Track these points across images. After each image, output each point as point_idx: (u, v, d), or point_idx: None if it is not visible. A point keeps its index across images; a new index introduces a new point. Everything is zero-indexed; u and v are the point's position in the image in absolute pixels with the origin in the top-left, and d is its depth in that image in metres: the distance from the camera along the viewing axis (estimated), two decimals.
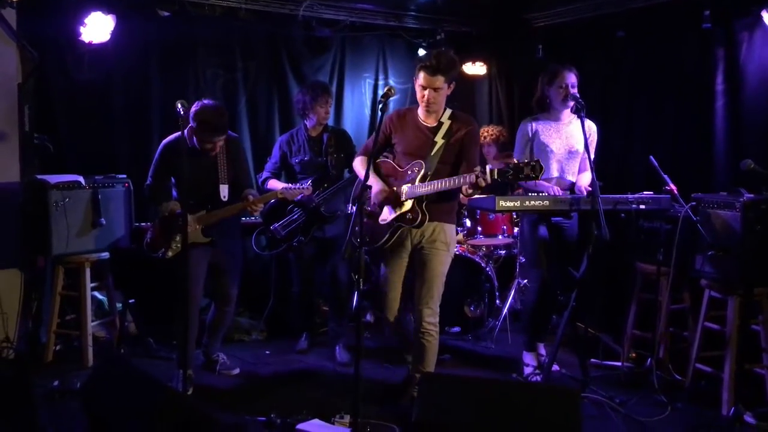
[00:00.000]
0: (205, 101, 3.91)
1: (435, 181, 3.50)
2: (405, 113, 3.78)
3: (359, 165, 3.86)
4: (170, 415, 2.75)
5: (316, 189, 4.53)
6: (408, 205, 3.59)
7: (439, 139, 3.61)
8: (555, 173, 4.23)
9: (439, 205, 3.61)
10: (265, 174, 4.75)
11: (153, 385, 2.97)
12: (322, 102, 4.57)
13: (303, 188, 4.22)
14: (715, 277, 3.83)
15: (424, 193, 3.53)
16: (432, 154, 3.59)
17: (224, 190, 4.01)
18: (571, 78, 4.08)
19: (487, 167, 3.30)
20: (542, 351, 4.48)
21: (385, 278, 3.82)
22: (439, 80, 3.51)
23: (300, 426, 3.41)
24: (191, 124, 3.84)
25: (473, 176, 3.27)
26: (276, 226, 4.62)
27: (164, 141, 4.09)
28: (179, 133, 3.74)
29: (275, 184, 4.56)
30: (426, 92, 3.55)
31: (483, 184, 3.26)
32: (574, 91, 4.06)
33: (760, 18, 4.20)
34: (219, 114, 3.87)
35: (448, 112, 3.70)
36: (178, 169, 3.85)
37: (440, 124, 3.65)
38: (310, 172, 4.62)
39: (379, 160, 3.84)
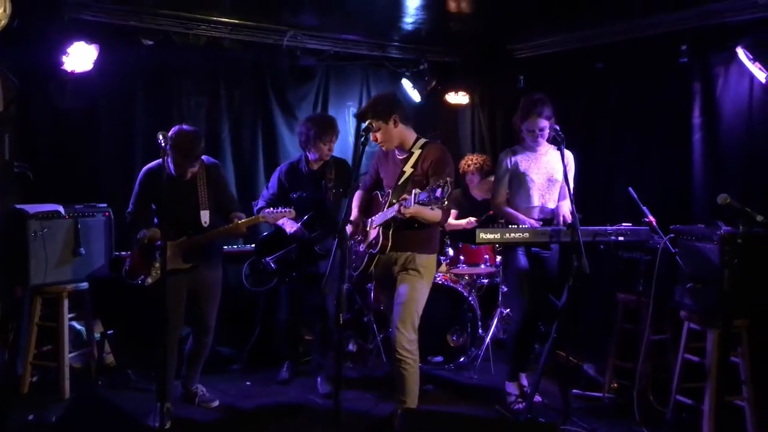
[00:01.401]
0: (184, 126, 3.92)
1: (381, 213, 3.68)
2: (389, 150, 3.91)
3: (353, 200, 4.01)
4: None
5: (313, 225, 4.51)
6: (375, 231, 3.73)
7: (408, 169, 3.75)
8: (536, 202, 4.27)
9: (409, 235, 3.68)
10: (260, 203, 4.70)
11: (129, 423, 2.94)
12: (326, 139, 4.45)
13: (285, 212, 4.14)
14: (694, 309, 3.86)
15: (378, 222, 3.70)
16: (399, 183, 3.74)
17: (205, 216, 3.99)
18: (541, 123, 4.13)
19: (413, 192, 3.36)
20: (524, 381, 4.46)
21: (383, 303, 4.06)
22: (374, 123, 3.66)
23: None
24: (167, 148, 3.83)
25: (397, 205, 3.43)
26: (268, 260, 4.59)
27: (145, 168, 4.09)
28: (160, 159, 3.74)
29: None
30: (373, 135, 3.70)
31: (406, 214, 3.40)
32: (544, 131, 4.13)
33: (736, 54, 4.29)
34: (192, 139, 3.86)
35: (421, 141, 3.82)
36: (158, 195, 3.84)
37: (411, 154, 3.79)
38: (308, 208, 4.56)
39: (375, 194, 4.02)
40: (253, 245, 4.86)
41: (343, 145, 6.10)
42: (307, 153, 4.57)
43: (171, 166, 3.90)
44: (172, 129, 3.87)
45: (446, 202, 3.24)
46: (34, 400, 4.21)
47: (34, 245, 4.19)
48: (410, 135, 3.81)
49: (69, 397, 4.30)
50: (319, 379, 4.61)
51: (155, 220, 4.07)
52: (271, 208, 4.31)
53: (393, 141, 3.76)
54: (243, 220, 4.04)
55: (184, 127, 3.93)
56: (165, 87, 5.26)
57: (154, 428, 3.72)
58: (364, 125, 3.55)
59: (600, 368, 4.71)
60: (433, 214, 3.58)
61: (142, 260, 4.00)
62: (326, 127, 4.45)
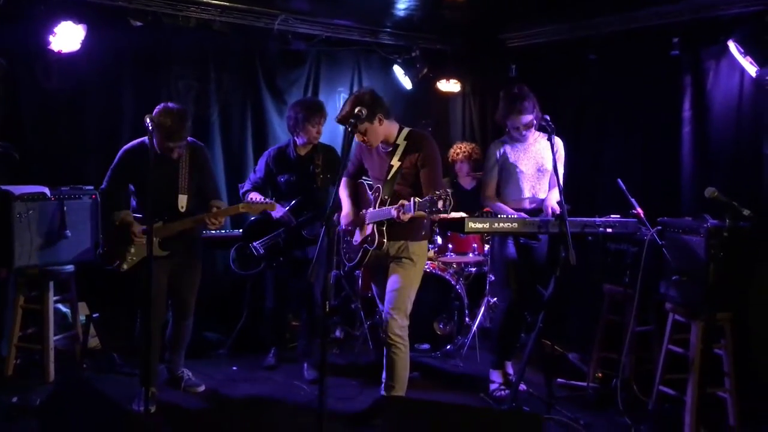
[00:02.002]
0: (169, 104, 3.80)
1: (379, 210, 3.65)
2: None
3: (339, 188, 3.93)
4: None
5: (301, 211, 4.49)
6: (369, 228, 3.71)
7: (395, 162, 3.72)
8: (527, 193, 4.27)
9: (402, 226, 3.65)
10: (246, 186, 4.68)
11: (113, 407, 2.92)
12: (314, 122, 4.45)
13: (267, 203, 4.11)
14: (679, 301, 3.89)
15: (372, 219, 3.68)
16: (389, 178, 3.71)
17: (183, 201, 3.92)
18: (524, 119, 4.12)
19: (412, 199, 3.35)
20: (510, 370, 4.49)
21: (376, 291, 4.09)
22: (358, 126, 3.57)
23: None
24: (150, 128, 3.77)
25: (395, 210, 3.42)
26: (256, 244, 4.57)
27: (126, 146, 3.99)
28: (143, 138, 3.74)
29: (255, 198, 4.51)
30: (359, 137, 3.69)
31: (404, 218, 3.39)
32: (529, 126, 4.13)
33: (727, 47, 4.29)
34: (178, 117, 3.73)
35: (405, 132, 3.79)
36: (137, 176, 3.76)
37: (396, 146, 3.75)
38: (296, 192, 4.56)
39: (360, 181, 3.99)
40: (241, 230, 4.84)
41: (333, 132, 6.05)
42: (296, 137, 4.55)
43: (156, 145, 3.81)
44: (157, 107, 3.77)
45: (449, 213, 3.23)
46: (18, 383, 4.19)
47: (19, 227, 4.14)
48: (394, 128, 3.77)
49: (53, 380, 4.28)
50: (305, 365, 4.62)
51: (132, 203, 4.01)
52: (253, 196, 4.33)
53: (379, 138, 3.72)
54: (221, 210, 3.97)
55: (170, 104, 3.80)
56: (153, 69, 5.19)
57: (138, 412, 3.72)
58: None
59: (585, 358, 4.75)
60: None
61: (115, 244, 3.91)
62: (314, 110, 4.46)
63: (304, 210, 4.51)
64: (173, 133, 3.74)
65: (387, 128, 3.73)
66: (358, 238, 3.83)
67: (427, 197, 3.25)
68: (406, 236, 3.73)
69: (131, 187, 4.00)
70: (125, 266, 3.89)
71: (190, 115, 3.88)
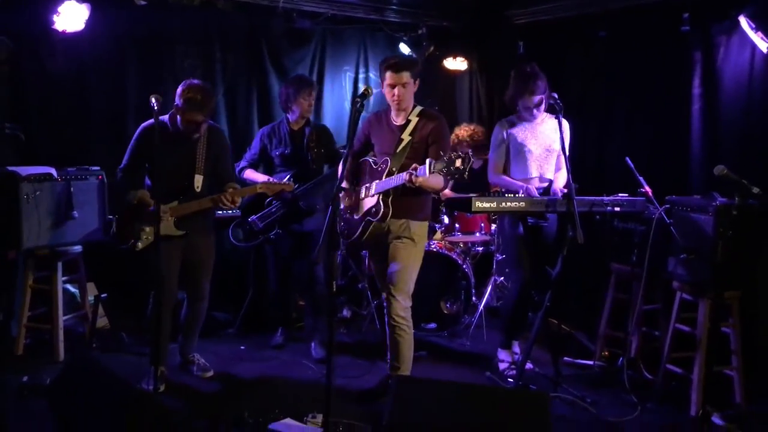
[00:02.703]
0: (194, 80, 3.86)
1: (387, 179, 3.65)
2: (381, 115, 3.95)
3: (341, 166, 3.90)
4: (139, 416, 2.73)
5: (296, 183, 4.51)
6: (374, 200, 3.72)
7: (406, 136, 3.74)
8: (534, 173, 4.25)
9: (406, 202, 3.69)
10: (243, 163, 4.72)
11: (122, 385, 2.95)
12: (305, 95, 4.55)
13: (284, 184, 4.16)
14: (687, 279, 3.88)
15: (379, 189, 3.68)
16: (398, 151, 3.73)
17: (198, 181, 3.93)
18: (536, 99, 4.10)
19: (427, 161, 3.35)
20: (516, 349, 4.51)
21: (375, 270, 4.11)
22: (405, 76, 3.69)
23: (272, 426, 3.40)
24: (177, 102, 3.78)
25: (407, 174, 3.43)
26: (254, 218, 4.60)
27: (144, 123, 3.99)
28: (162, 117, 3.78)
29: (252, 174, 4.56)
30: (395, 90, 3.71)
31: (415, 181, 3.40)
32: (540, 105, 4.10)
33: (738, 23, 4.22)
34: (206, 92, 3.80)
35: (417, 109, 3.82)
36: (153, 154, 3.76)
37: (408, 121, 3.78)
38: (290, 165, 4.60)
39: (362, 160, 3.98)
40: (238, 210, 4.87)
41: (339, 110, 6.05)
42: (288, 114, 4.64)
43: (178, 122, 3.83)
44: (182, 84, 3.82)
45: (466, 174, 3.22)
46: (28, 363, 4.23)
47: (26, 208, 4.15)
48: (412, 101, 3.83)
49: (63, 359, 4.32)
50: (313, 344, 4.64)
51: (147, 182, 4.02)
52: (248, 173, 4.51)
53: (410, 102, 3.78)
54: (238, 190, 4.00)
55: (195, 81, 3.85)
56: (158, 49, 5.16)
57: (147, 391, 3.75)
58: (360, 92, 3.50)
59: (591, 337, 4.76)
60: (438, 182, 3.58)
61: (130, 222, 3.91)
62: (304, 84, 4.59)
63: (298, 182, 4.52)
64: (203, 107, 3.77)
65: (412, 98, 3.79)
66: (360, 212, 3.82)
67: (444, 157, 3.25)
68: (409, 214, 3.72)
69: (147, 166, 4.00)
70: (140, 245, 3.88)
71: (213, 95, 3.92)
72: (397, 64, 3.70)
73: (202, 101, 3.77)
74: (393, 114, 3.84)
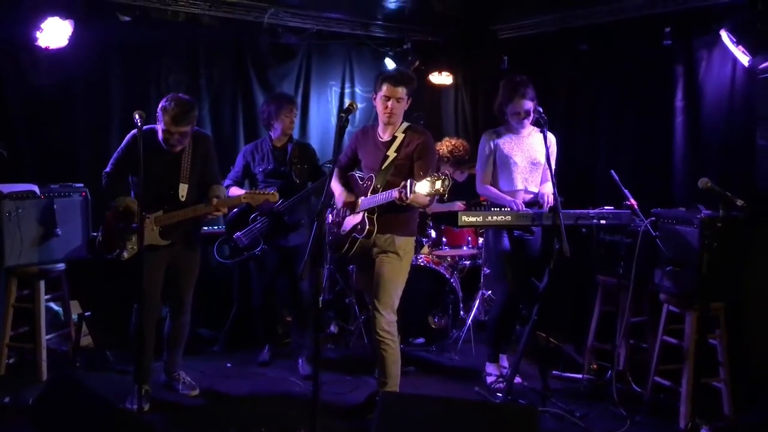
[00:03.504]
0: (179, 94, 3.85)
1: (374, 196, 3.66)
2: (368, 130, 3.95)
3: (332, 180, 3.90)
4: None
5: (280, 197, 4.49)
6: (359, 216, 3.71)
7: (391, 153, 3.74)
8: (519, 185, 4.26)
9: (391, 218, 3.69)
10: (227, 182, 4.68)
11: (106, 405, 2.90)
12: (287, 112, 4.54)
13: (268, 193, 4.14)
14: (674, 291, 3.89)
15: (367, 206, 3.68)
16: (383, 167, 3.74)
17: (183, 190, 3.89)
18: (526, 105, 4.12)
19: (408, 181, 3.38)
20: (504, 363, 4.49)
21: (362, 285, 4.12)
22: (401, 91, 3.70)
23: None
24: (158, 116, 3.77)
25: (396, 192, 3.44)
26: (239, 235, 4.57)
27: (133, 131, 3.92)
28: (151, 126, 3.78)
29: (236, 191, 4.52)
30: (389, 102, 3.71)
31: (405, 199, 3.40)
32: (529, 113, 4.11)
33: (719, 37, 4.26)
34: (185, 104, 3.76)
35: (404, 125, 3.82)
36: (139, 162, 3.73)
37: (394, 138, 3.78)
38: (273, 181, 4.57)
39: (349, 174, 3.99)
40: (223, 226, 4.86)
41: (325, 125, 6.05)
42: (270, 132, 4.63)
43: (159, 136, 3.81)
44: (164, 98, 3.81)
45: (446, 197, 3.25)
46: (11, 382, 4.16)
47: (8, 226, 4.10)
48: (402, 118, 3.83)
49: (46, 378, 4.25)
50: (300, 361, 4.60)
51: (132, 194, 3.98)
52: (234, 191, 4.44)
53: (400, 117, 3.78)
54: (222, 200, 3.96)
55: (180, 95, 3.85)
56: (142, 64, 5.14)
57: (132, 410, 3.70)
58: (345, 106, 3.50)
59: (579, 350, 4.76)
60: (423, 200, 3.57)
61: (116, 231, 3.86)
62: (284, 101, 4.58)
63: (282, 197, 4.49)
64: (177, 118, 3.73)
65: (402, 114, 3.80)
66: (347, 227, 3.81)
67: (425, 177, 3.29)
68: (394, 229, 3.72)
69: (130, 178, 3.97)
70: (126, 255, 3.83)
71: (194, 107, 3.87)
72: (396, 77, 3.71)
73: (182, 113, 3.73)
74: (380, 129, 3.84)
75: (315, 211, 3.84)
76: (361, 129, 4.04)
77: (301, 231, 4.62)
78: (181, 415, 3.85)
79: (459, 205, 5.25)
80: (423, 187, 3.30)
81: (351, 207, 3.84)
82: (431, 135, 3.84)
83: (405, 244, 3.76)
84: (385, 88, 3.70)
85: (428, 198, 3.53)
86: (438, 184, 3.23)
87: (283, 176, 4.57)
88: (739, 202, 3.37)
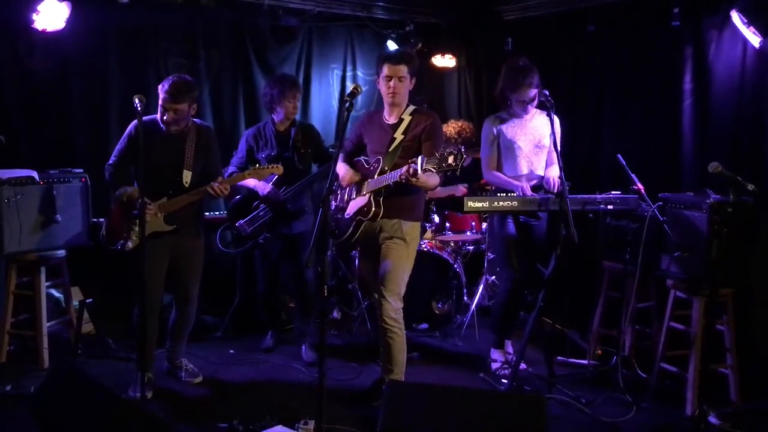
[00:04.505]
0: (183, 75, 3.84)
1: (382, 176, 3.61)
2: (374, 114, 3.91)
3: (337, 164, 3.85)
4: (124, 425, 2.66)
5: (283, 185, 4.43)
6: (365, 199, 3.66)
7: (399, 135, 3.69)
8: (524, 170, 4.21)
9: (397, 201, 3.64)
10: (231, 168, 4.60)
11: (108, 394, 2.87)
12: (290, 96, 4.43)
13: (273, 167, 4.06)
14: (681, 277, 3.85)
15: (374, 187, 3.63)
16: (390, 150, 3.69)
17: (187, 177, 3.85)
18: (532, 92, 4.06)
19: (419, 158, 3.32)
20: (509, 349, 4.47)
21: (365, 270, 4.10)
22: (403, 69, 3.65)
23: None
24: (159, 96, 3.75)
25: (405, 169, 3.37)
26: (241, 223, 4.49)
27: (135, 121, 3.87)
28: (153, 116, 3.76)
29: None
30: (392, 82, 3.66)
31: (412, 178, 3.34)
32: (534, 99, 4.07)
33: (729, 17, 4.18)
34: (181, 82, 3.74)
35: (411, 108, 3.77)
36: (138, 154, 3.67)
37: (401, 120, 3.73)
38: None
39: (355, 160, 3.93)
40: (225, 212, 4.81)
41: (327, 109, 5.98)
42: (273, 115, 4.53)
43: (159, 115, 3.78)
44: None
45: (458, 171, 3.19)
46: (12, 370, 4.14)
47: (7, 212, 4.05)
48: (407, 99, 3.78)
49: (47, 366, 4.22)
50: (303, 347, 4.57)
51: (135, 183, 3.93)
52: (257, 165, 4.33)
53: (404, 97, 3.72)
54: (227, 178, 3.93)
55: (183, 75, 3.84)
56: (141, 47, 5.06)
57: (134, 398, 3.67)
58: (348, 90, 3.45)
59: (584, 335, 4.73)
60: (434, 181, 3.54)
61: (121, 221, 3.83)
62: (287, 86, 4.44)
63: (285, 182, 4.44)
64: (173, 93, 3.71)
65: (407, 95, 3.73)
66: (351, 211, 3.76)
67: (436, 153, 3.22)
68: (400, 214, 3.67)
69: (133, 168, 3.93)
70: (130, 245, 3.80)
71: (194, 87, 3.83)
72: (395, 56, 3.69)
73: (180, 91, 3.71)
74: (386, 113, 3.79)
75: (318, 197, 3.80)
76: (367, 114, 4.00)
77: (305, 217, 4.56)
78: (184, 404, 3.82)
79: (461, 188, 5.21)
80: (427, 164, 3.24)
81: (357, 187, 3.79)
82: (438, 117, 3.79)
83: (412, 229, 3.71)
84: (386, 68, 3.67)
85: (437, 178, 3.50)
86: (450, 159, 3.15)
87: (287, 162, 4.49)
88: (750, 187, 3.33)
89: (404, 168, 3.39)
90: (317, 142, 4.62)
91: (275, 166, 4.09)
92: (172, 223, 3.84)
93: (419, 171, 3.30)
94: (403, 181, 3.41)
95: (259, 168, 4.10)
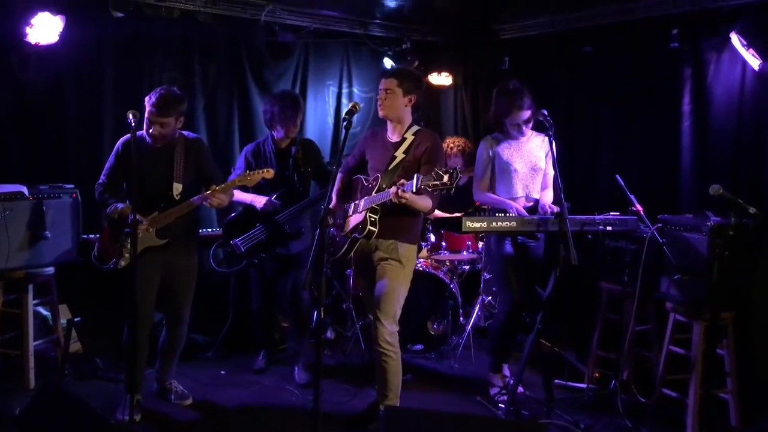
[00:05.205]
0: (172, 87, 3.78)
1: (372, 197, 3.57)
2: (378, 132, 3.88)
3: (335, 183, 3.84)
4: None
5: (283, 205, 4.35)
6: (361, 216, 3.62)
7: (400, 154, 3.66)
8: (520, 192, 4.16)
9: (394, 222, 3.59)
10: None
11: (94, 417, 2.79)
12: (290, 114, 4.34)
13: (263, 171, 3.95)
14: (681, 300, 3.80)
15: (369, 204, 3.57)
16: (390, 168, 3.65)
17: (177, 189, 3.78)
18: (524, 115, 4.04)
19: (414, 176, 3.28)
20: (507, 372, 4.39)
21: (360, 287, 4.08)
22: (391, 83, 3.62)
23: None
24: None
25: (395, 189, 3.34)
26: (236, 241, 4.40)
27: (122, 138, 3.87)
28: (140, 132, 3.69)
29: (240, 195, 4.35)
30: (380, 94, 3.67)
31: (403, 197, 3.31)
32: (529, 121, 4.04)
33: (729, 39, 4.18)
34: (169, 95, 3.68)
35: (414, 128, 3.73)
36: (130, 170, 3.59)
37: (404, 139, 3.70)
38: (276, 186, 4.40)
39: (355, 177, 3.90)
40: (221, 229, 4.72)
41: (322, 125, 5.94)
42: (273, 132, 4.44)
43: (145, 129, 3.72)
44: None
45: (453, 190, 3.16)
46: None
47: None
48: (409, 119, 3.74)
49: (33, 386, 4.12)
50: (296, 369, 4.48)
51: (127, 201, 3.86)
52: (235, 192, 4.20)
53: (394, 112, 3.67)
54: (218, 187, 3.82)
55: (171, 87, 3.78)
56: (136, 62, 5.00)
57: (122, 422, 3.57)
58: (344, 107, 3.42)
59: (581, 358, 4.66)
60: (425, 203, 3.50)
61: (113, 241, 3.76)
62: (290, 103, 4.36)
63: (284, 203, 4.37)
64: (159, 106, 3.65)
65: (404, 113, 3.69)
66: (347, 228, 3.72)
67: (431, 172, 3.18)
68: (396, 235, 3.62)
69: (124, 184, 3.87)
70: (123, 263, 3.73)
71: (181, 100, 3.76)
72: (388, 70, 3.75)
73: (167, 104, 3.66)
74: (389, 131, 3.76)
75: (317, 215, 3.73)
76: (371, 131, 3.98)
77: (303, 238, 4.47)
78: (173, 427, 3.73)
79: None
80: (422, 182, 3.20)
81: (355, 204, 3.74)
82: (439, 139, 3.77)
83: (408, 251, 3.65)
84: (380, 81, 3.70)
85: (429, 201, 3.47)
86: (446, 178, 3.12)
87: (286, 181, 4.41)
88: (752, 210, 3.30)
89: (393, 189, 3.35)
90: (317, 159, 4.55)
91: (266, 170, 3.97)
92: (164, 237, 3.77)
93: (413, 190, 3.27)
94: (395, 201, 3.36)
95: (249, 174, 3.95)
